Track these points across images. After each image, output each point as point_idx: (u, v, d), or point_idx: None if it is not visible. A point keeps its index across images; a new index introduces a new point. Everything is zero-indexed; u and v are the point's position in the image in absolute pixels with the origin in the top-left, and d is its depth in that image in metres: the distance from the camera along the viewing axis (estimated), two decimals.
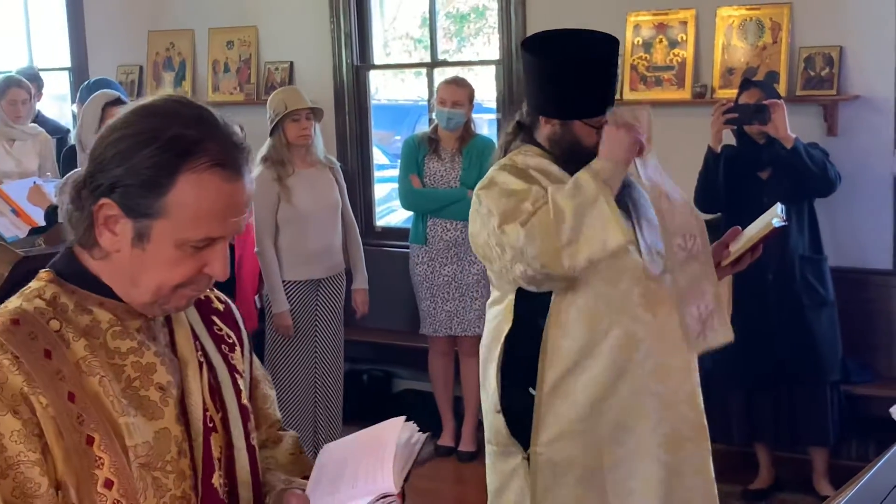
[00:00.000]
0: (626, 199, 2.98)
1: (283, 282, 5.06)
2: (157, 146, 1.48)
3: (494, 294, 3.07)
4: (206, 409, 1.61)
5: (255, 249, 5.09)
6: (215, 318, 1.73)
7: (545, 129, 2.99)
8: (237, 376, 1.71)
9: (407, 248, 5.68)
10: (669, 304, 2.93)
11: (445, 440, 5.65)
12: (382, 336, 6.17)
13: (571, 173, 2.90)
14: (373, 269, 5.51)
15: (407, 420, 1.77)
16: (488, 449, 3.11)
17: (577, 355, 2.90)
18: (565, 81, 2.92)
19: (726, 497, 4.08)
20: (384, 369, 6.35)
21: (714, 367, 4.31)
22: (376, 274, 5.61)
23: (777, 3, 5.19)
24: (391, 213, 7.55)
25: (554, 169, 2.95)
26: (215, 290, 1.75)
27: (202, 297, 1.72)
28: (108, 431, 1.49)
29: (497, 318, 3.03)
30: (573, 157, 2.93)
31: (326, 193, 5.13)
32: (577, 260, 2.78)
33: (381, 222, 6.87)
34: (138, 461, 1.52)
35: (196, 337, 1.67)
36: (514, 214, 2.83)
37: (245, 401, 1.71)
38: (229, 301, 1.79)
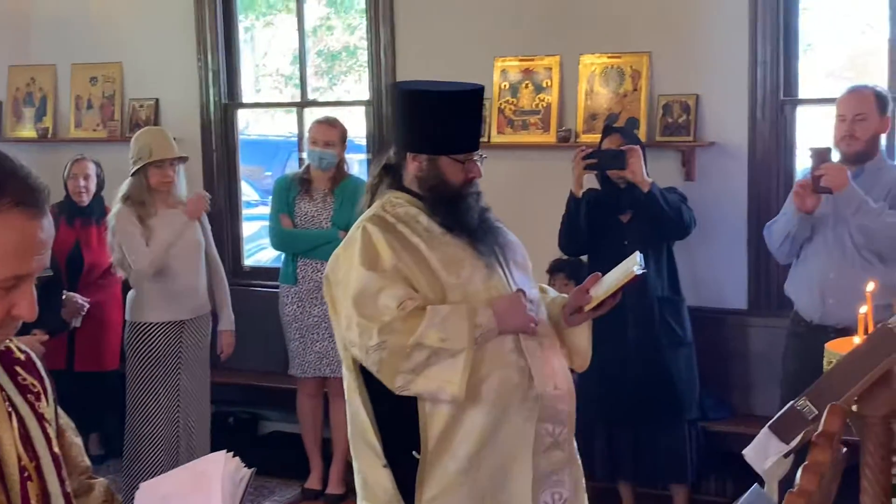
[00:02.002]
0: (492, 245, 3.04)
1: (147, 323, 4.97)
2: None
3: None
4: (19, 459, 1.61)
5: (133, 272, 4.97)
6: (18, 369, 1.72)
7: (412, 167, 3.02)
8: (46, 425, 1.70)
9: (276, 287, 5.63)
10: (542, 347, 3.02)
11: (313, 483, 5.60)
12: (250, 377, 6.09)
13: (439, 215, 2.96)
14: (240, 309, 5.44)
15: (237, 462, 1.75)
16: (367, 498, 3.08)
17: (454, 409, 2.92)
18: (433, 116, 2.97)
19: None
20: (251, 411, 6.27)
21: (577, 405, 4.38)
22: (244, 314, 5.54)
23: (637, 52, 5.36)
24: (261, 250, 7.48)
25: (423, 219, 2.98)
26: (14, 340, 1.74)
27: (2, 349, 1.70)
28: None
29: (354, 381, 3.03)
30: (440, 196, 2.98)
31: (189, 234, 5.07)
32: (409, 388, 2.87)
33: (250, 261, 6.79)
34: None
35: (1, 387, 1.65)
36: (373, 310, 2.86)
37: (56, 449, 1.71)
38: (30, 351, 1.77)
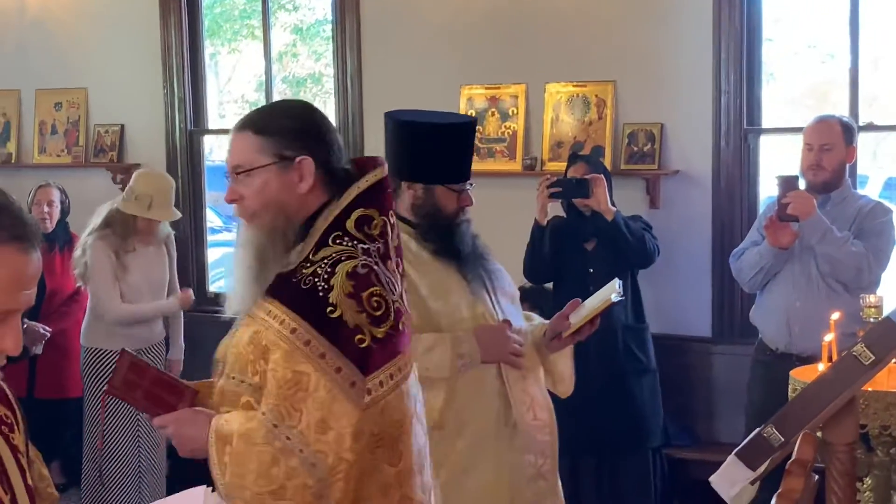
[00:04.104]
0: (480, 272, 3.07)
1: (103, 350, 4.97)
2: None
3: None
4: None
5: (93, 316, 4.98)
6: None
7: (406, 195, 3.06)
8: (20, 456, 1.69)
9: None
10: (524, 377, 3.05)
11: None
12: None
13: (432, 242, 3.01)
14: (205, 334, 5.38)
15: (215, 497, 1.73)
16: None
17: (436, 434, 2.91)
18: (429, 147, 3.02)
19: None
20: None
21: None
22: (206, 339, 5.45)
23: (602, 81, 5.41)
24: (222, 277, 7.44)
25: (412, 246, 3.01)
26: None
27: None
28: None
29: None
30: (434, 224, 3.03)
31: (158, 272, 5.16)
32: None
33: (214, 286, 6.76)
34: None
35: None
36: None
37: (30, 481, 1.70)
38: (1, 382, 1.75)
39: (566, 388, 3.25)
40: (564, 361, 3.21)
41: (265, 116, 2.37)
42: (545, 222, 4.77)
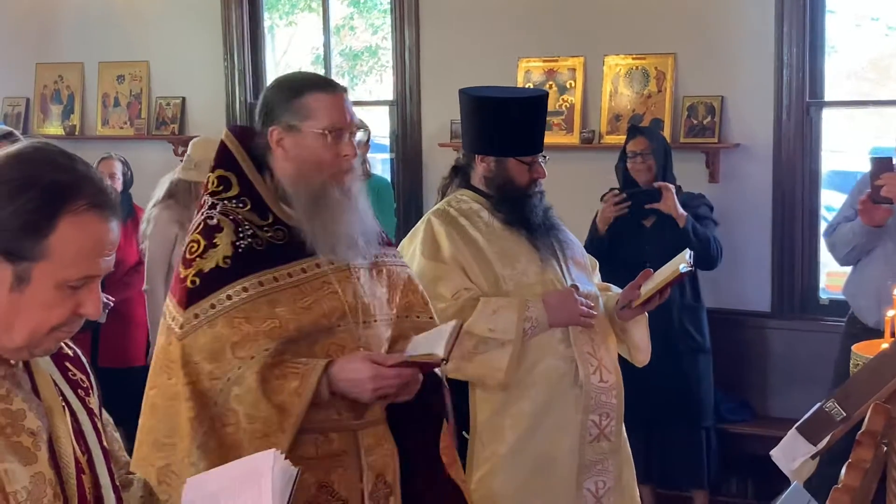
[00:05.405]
0: (551, 241, 3.13)
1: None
2: (37, 192, 1.53)
3: None
4: (74, 453, 1.64)
5: (144, 287, 5.01)
6: (68, 364, 1.75)
7: (480, 168, 3.17)
8: (95, 419, 1.74)
9: None
10: (592, 340, 3.12)
11: None
12: None
13: (503, 213, 3.10)
14: None
15: (285, 461, 1.75)
16: None
17: (503, 395, 3.05)
18: (501, 121, 3.13)
19: None
20: None
21: None
22: None
23: (662, 54, 5.36)
24: None
25: (484, 215, 3.13)
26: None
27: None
28: None
29: None
30: (506, 195, 3.13)
31: None
32: (459, 372, 2.98)
33: None
34: None
35: (55, 383, 1.69)
36: (429, 297, 2.91)
37: (105, 443, 1.75)
38: (76, 348, 1.81)
39: (643, 356, 3.33)
40: (640, 330, 3.29)
41: None
42: (604, 232, 4.73)
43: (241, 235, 2.37)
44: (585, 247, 4.74)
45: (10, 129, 5.16)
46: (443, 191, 3.29)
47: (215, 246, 2.36)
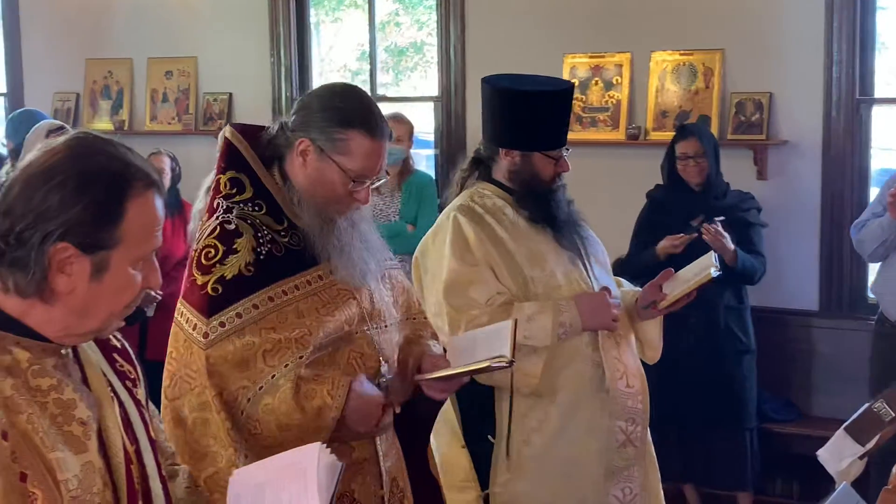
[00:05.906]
0: (576, 238, 3.07)
1: None
2: (101, 183, 1.57)
3: None
4: (122, 443, 1.66)
5: None
6: (116, 356, 1.78)
7: (504, 162, 3.08)
8: (143, 410, 1.77)
9: None
10: (618, 345, 3.07)
11: None
12: None
13: (528, 210, 3.02)
14: None
15: (330, 454, 1.77)
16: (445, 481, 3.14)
17: (530, 399, 2.99)
18: (527, 114, 3.02)
19: None
20: None
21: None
22: None
23: (709, 50, 5.32)
24: None
25: (508, 212, 3.04)
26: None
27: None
28: (40, 467, 1.52)
29: None
30: (530, 191, 3.04)
31: None
32: (490, 379, 2.93)
33: None
34: (70, 494, 1.54)
35: (104, 374, 1.72)
36: (462, 302, 2.93)
37: (152, 434, 1.77)
38: (124, 340, 1.83)
39: (655, 354, 3.26)
40: (654, 328, 3.22)
41: None
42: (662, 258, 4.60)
43: (260, 241, 2.35)
44: (629, 257, 4.73)
45: (62, 123, 5.23)
46: (461, 183, 3.17)
47: (236, 252, 2.33)
